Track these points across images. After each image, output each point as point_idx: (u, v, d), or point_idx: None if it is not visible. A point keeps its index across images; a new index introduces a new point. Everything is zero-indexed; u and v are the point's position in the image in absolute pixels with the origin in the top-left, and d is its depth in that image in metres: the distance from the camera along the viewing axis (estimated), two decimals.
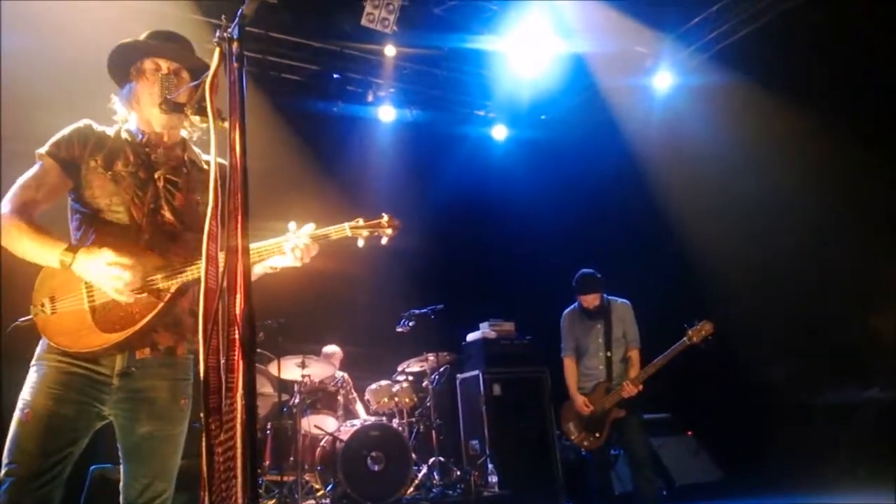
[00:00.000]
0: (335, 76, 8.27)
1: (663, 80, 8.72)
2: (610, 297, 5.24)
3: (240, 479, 1.43)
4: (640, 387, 4.84)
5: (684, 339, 4.82)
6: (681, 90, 8.62)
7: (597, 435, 4.97)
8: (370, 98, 8.57)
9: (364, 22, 7.02)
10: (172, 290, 2.17)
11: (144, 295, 2.14)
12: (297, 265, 2.34)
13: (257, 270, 2.44)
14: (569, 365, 5.24)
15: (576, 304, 5.32)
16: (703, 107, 8.23)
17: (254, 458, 1.42)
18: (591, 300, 5.15)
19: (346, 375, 6.92)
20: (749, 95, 7.55)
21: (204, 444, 1.48)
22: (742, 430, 7.75)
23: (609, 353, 5.06)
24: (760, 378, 8.23)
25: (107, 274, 2.06)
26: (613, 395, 4.89)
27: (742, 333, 7.21)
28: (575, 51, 8.22)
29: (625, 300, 5.28)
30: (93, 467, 4.76)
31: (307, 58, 7.96)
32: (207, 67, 1.66)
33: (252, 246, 2.28)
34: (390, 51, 7.96)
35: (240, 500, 1.44)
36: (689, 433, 7.75)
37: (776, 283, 7.51)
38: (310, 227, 2.35)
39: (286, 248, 2.30)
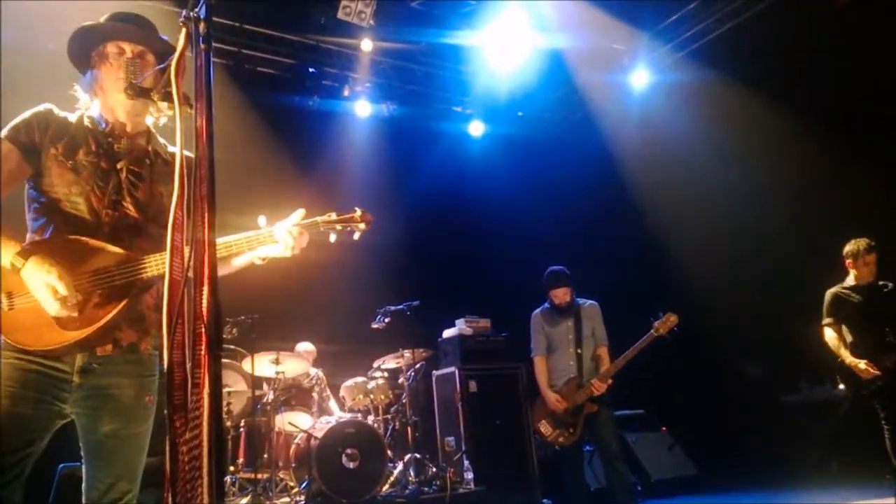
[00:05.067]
0: (311, 70, 8.18)
1: (640, 77, 8.75)
2: (579, 299, 5.28)
3: (206, 479, 1.37)
4: (609, 381, 4.87)
5: (651, 331, 4.84)
6: (657, 87, 8.66)
7: (570, 431, 4.96)
8: (346, 93, 8.49)
9: (340, 15, 6.95)
10: (136, 285, 2.08)
11: (107, 289, 2.04)
12: (287, 255, 2.29)
13: (243, 261, 2.37)
14: (539, 363, 5.25)
15: (545, 304, 5.36)
16: (679, 104, 8.27)
17: (220, 457, 1.36)
18: (561, 294, 5.18)
19: (320, 372, 6.85)
20: (724, 93, 7.60)
21: (168, 442, 1.42)
22: (717, 426, 7.82)
23: (579, 350, 5.09)
24: (735, 374, 8.32)
25: (44, 295, 1.97)
26: (585, 390, 4.90)
27: (718, 330, 7.28)
28: (552, 47, 8.21)
29: (593, 301, 5.35)
30: (61, 466, 4.66)
31: (283, 51, 7.87)
32: (173, 50, 1.59)
33: (241, 235, 2.25)
34: (367, 45, 7.89)
35: (205, 501, 1.38)
36: (664, 429, 7.79)
37: (751, 281, 7.58)
38: (300, 213, 2.31)
39: (278, 235, 2.24)
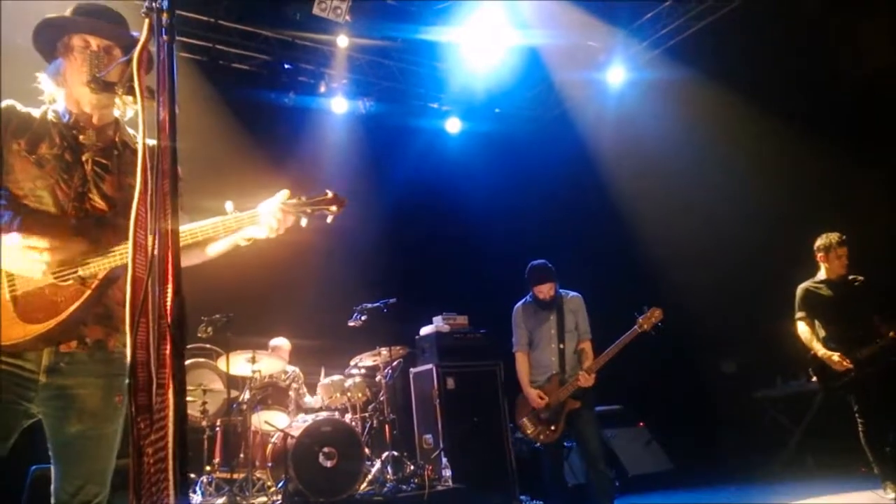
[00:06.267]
0: (286, 67, 8.11)
1: (616, 74, 8.79)
2: (561, 291, 5.21)
3: (171, 481, 1.34)
4: (594, 376, 4.81)
5: (635, 326, 4.78)
6: (633, 85, 8.71)
7: (552, 428, 4.91)
8: (322, 89, 8.43)
9: (316, 11, 6.88)
10: (100, 276, 2.04)
11: (70, 282, 2.00)
12: (271, 236, 2.28)
13: (226, 244, 2.36)
14: (521, 359, 5.16)
15: (527, 297, 5.27)
16: (655, 101, 8.33)
17: (185, 458, 1.33)
18: (546, 290, 5.08)
19: (297, 370, 6.79)
20: (700, 90, 7.66)
21: (132, 444, 1.38)
22: (693, 421, 7.87)
23: (562, 345, 4.99)
24: (711, 370, 8.38)
25: (25, 256, 1.94)
26: (568, 386, 4.83)
27: (693, 326, 7.32)
28: (529, 44, 8.22)
29: (576, 293, 5.25)
30: (33, 468, 4.58)
31: (257, 47, 7.79)
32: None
33: (219, 219, 2.23)
34: (343, 41, 7.84)
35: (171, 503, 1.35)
36: (641, 424, 7.84)
37: (726, 276, 7.64)
38: (284, 194, 2.29)
39: (261, 217, 2.23)
